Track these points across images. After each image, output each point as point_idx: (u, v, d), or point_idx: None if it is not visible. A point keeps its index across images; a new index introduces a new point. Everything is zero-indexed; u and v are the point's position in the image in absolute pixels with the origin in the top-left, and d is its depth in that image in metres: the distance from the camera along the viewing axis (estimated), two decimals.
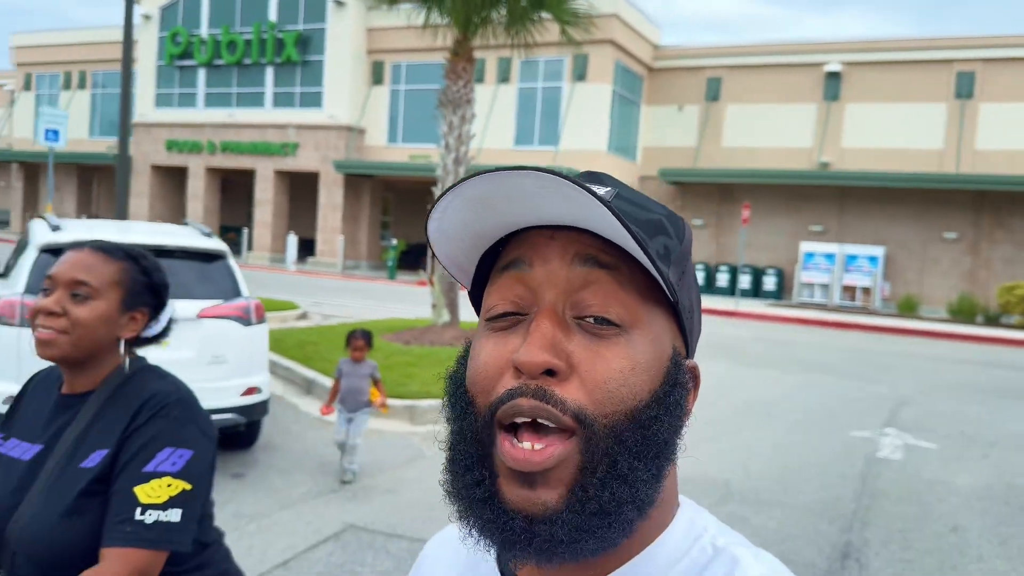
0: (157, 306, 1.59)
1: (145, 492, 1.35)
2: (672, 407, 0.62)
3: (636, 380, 0.60)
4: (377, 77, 28.32)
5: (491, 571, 0.71)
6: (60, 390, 1.55)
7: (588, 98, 25.05)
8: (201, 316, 5.30)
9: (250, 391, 5.54)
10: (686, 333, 0.66)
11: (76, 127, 34.23)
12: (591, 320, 0.61)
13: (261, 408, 5.69)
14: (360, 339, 5.50)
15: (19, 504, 1.42)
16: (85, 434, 1.45)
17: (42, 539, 1.37)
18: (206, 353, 5.31)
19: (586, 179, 0.67)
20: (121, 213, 12.76)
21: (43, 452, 1.47)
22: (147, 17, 30.76)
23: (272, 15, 28.45)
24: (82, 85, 34.52)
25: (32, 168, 35.67)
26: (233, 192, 32.97)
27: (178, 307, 1.61)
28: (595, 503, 0.58)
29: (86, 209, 35.17)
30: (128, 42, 13.03)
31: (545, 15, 10.51)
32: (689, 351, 0.68)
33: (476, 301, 0.71)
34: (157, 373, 1.56)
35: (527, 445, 0.58)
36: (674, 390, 0.63)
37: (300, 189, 29.71)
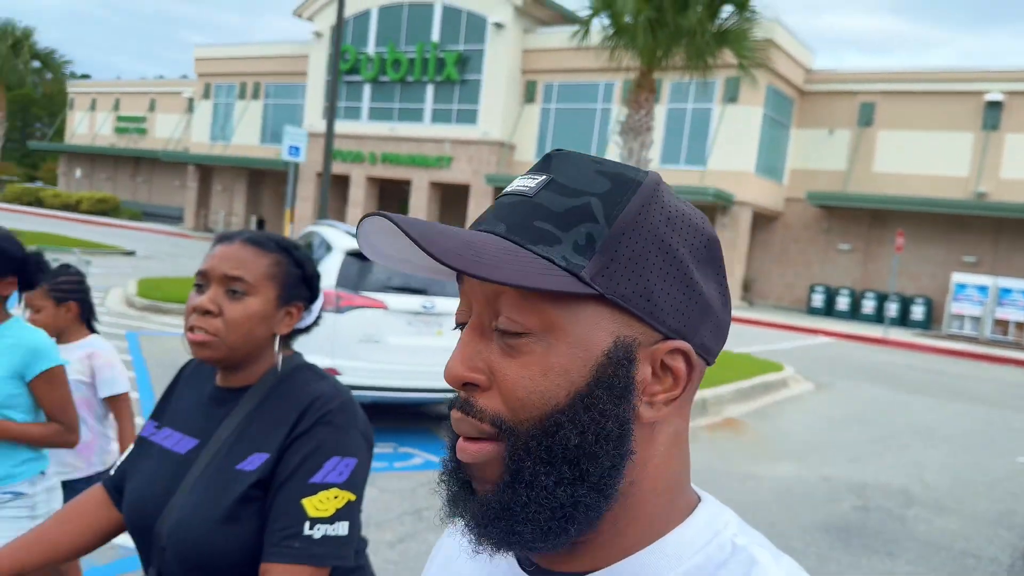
0: (311, 298, 1.54)
1: (313, 505, 1.31)
2: (587, 411, 0.60)
3: (547, 385, 0.60)
4: (529, 96, 29.69)
5: (510, 558, 0.72)
6: (215, 381, 1.50)
7: (738, 120, 25.49)
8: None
9: None
10: (646, 318, 0.61)
11: (248, 134, 37.37)
12: (499, 331, 0.62)
13: None
14: None
15: (171, 498, 1.39)
16: (242, 433, 1.40)
17: (195, 541, 1.33)
18: None
19: (538, 164, 0.67)
20: (327, 214, 14.34)
21: (198, 447, 1.44)
22: (318, 35, 33.35)
23: (435, 36, 30.33)
24: (255, 95, 37.62)
25: (206, 170, 39.05)
26: (389, 200, 35.17)
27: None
28: (499, 499, 0.61)
29: (254, 210, 38.23)
30: (335, 63, 14.68)
31: (727, 50, 11.32)
32: (670, 332, 0.62)
33: None
34: (316, 373, 1.51)
35: (467, 445, 0.63)
36: (597, 390, 0.60)
37: (452, 200, 31.43)
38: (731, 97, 25.54)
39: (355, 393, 4.80)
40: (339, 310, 6.16)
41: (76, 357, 2.99)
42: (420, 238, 0.57)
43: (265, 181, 38.84)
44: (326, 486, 1.32)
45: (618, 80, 27.09)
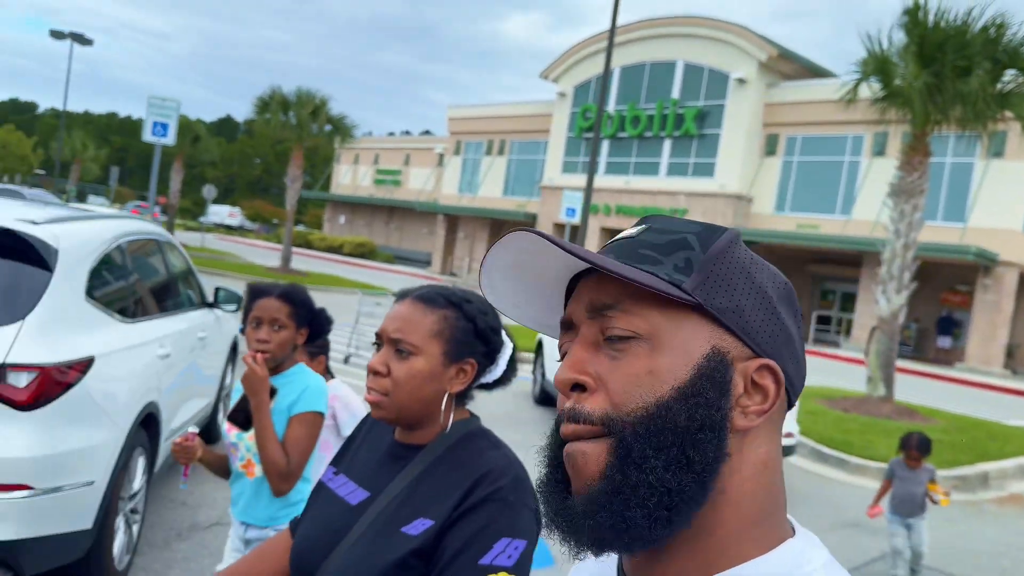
0: (488, 352, 1.50)
1: None
2: (694, 396, 0.65)
3: (654, 381, 0.66)
4: (770, 148, 29.53)
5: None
6: (395, 436, 1.51)
7: (1005, 175, 23.82)
8: None
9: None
10: (738, 332, 0.68)
11: (492, 186, 40.04)
12: (610, 339, 0.69)
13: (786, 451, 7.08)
14: (915, 448, 5.20)
15: (336, 546, 1.39)
16: (411, 494, 1.38)
17: None
18: None
19: (637, 223, 0.77)
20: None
21: (368, 500, 1.43)
22: (562, 95, 35.30)
23: (675, 93, 31.12)
24: (501, 151, 40.31)
25: (453, 219, 42.20)
26: None
27: None
28: (610, 483, 0.65)
29: None
30: (597, 130, 15.79)
31: (1008, 113, 11.01)
32: (761, 351, 0.69)
33: None
34: (490, 440, 1.47)
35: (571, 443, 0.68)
36: (700, 381, 0.66)
37: None
38: (996, 152, 23.93)
39: None
40: None
41: None
42: (562, 244, 0.66)
43: (505, 230, 41.21)
44: (495, 569, 1.27)
45: (867, 133, 26.30)
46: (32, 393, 3.10)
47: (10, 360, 3.09)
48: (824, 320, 29.77)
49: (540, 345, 10.36)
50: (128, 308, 4.19)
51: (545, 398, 10.06)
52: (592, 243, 33.17)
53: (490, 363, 1.50)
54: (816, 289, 30.24)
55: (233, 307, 5.99)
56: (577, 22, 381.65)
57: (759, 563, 0.66)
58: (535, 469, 0.74)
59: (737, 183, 29.25)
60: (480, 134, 41.43)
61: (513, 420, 8.95)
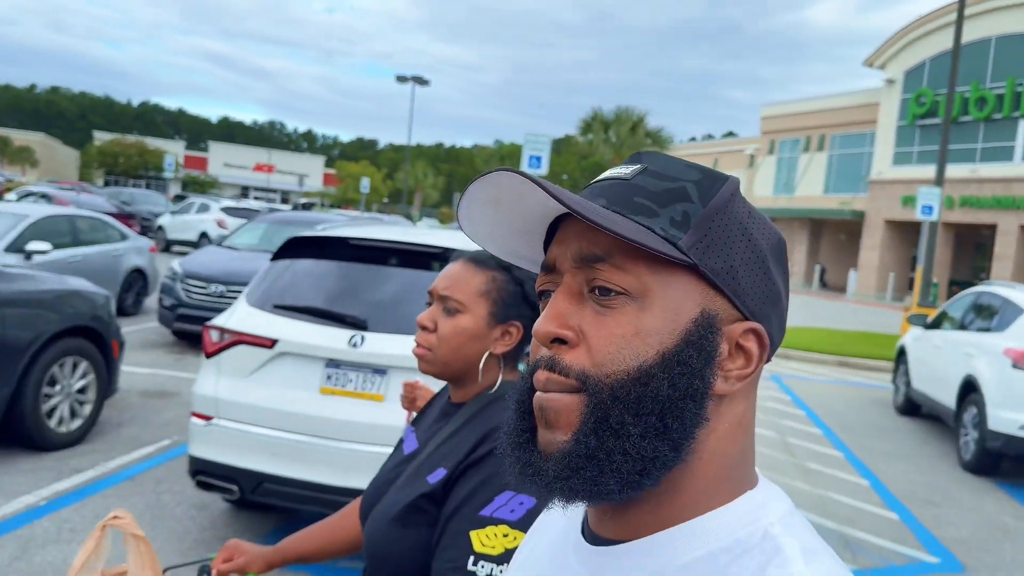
0: (536, 316, 1.44)
1: (479, 539, 1.25)
2: (679, 365, 0.63)
3: (639, 343, 0.64)
4: None
5: (576, 533, 0.75)
6: (448, 394, 1.54)
7: None
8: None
9: None
10: (730, 294, 0.66)
11: (811, 185, 38.27)
12: (596, 292, 0.66)
13: None
14: None
15: (386, 493, 1.44)
16: (440, 447, 1.41)
17: (373, 537, 1.38)
18: None
19: (628, 159, 0.72)
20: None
21: (416, 452, 1.48)
22: (890, 82, 32.80)
23: None
24: (820, 147, 38.42)
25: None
26: (965, 247, 32.72)
27: None
28: (584, 447, 0.63)
29: (814, 258, 38.91)
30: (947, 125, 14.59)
31: None
32: (749, 313, 0.67)
33: None
34: None
35: (543, 393, 0.67)
36: (687, 349, 0.64)
37: None
38: None
39: None
40: None
41: None
42: (550, 189, 0.62)
43: (824, 230, 39.23)
44: (495, 521, 1.26)
45: None
46: None
47: None
48: None
49: (902, 352, 9.94)
50: None
51: (910, 407, 9.63)
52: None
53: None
54: None
55: None
56: (888, 1, 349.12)
57: (718, 514, 0.66)
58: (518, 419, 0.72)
59: None
60: (796, 131, 39.84)
61: (877, 430, 8.75)
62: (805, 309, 22.84)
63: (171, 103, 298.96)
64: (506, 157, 37.66)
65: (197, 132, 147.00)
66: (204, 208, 22.89)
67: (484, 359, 1.43)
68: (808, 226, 38.42)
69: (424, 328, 1.45)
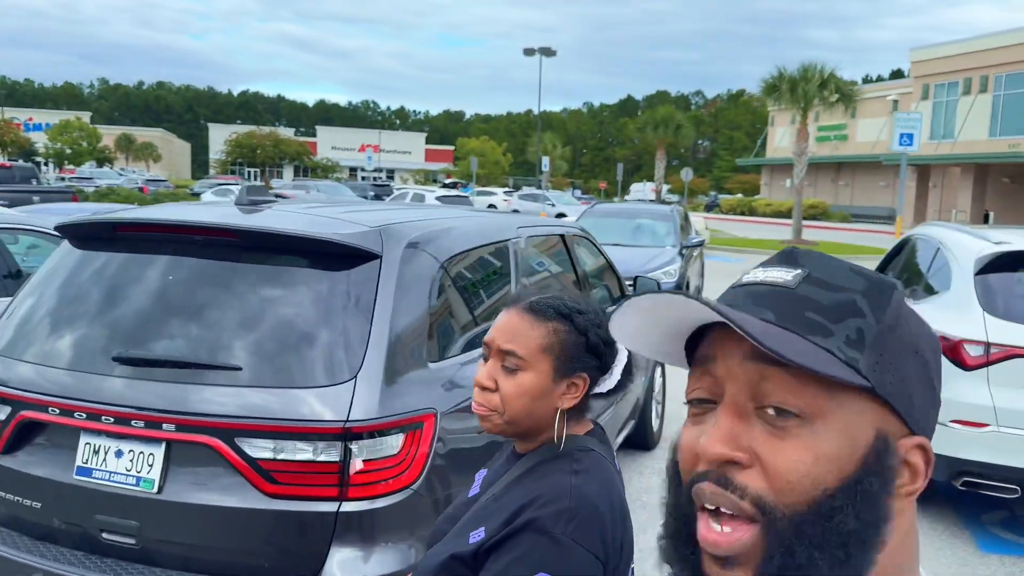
0: (602, 366, 1.40)
1: None
2: (864, 495, 0.61)
3: (818, 471, 0.61)
4: None
5: None
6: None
7: None
8: None
9: None
10: (902, 413, 0.64)
11: (974, 128, 36.81)
12: (770, 412, 0.63)
13: None
14: None
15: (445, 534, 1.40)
16: (493, 500, 1.35)
17: None
18: None
19: (779, 260, 0.70)
20: None
21: (475, 497, 1.43)
22: None
23: None
24: (983, 89, 36.86)
25: (922, 169, 39.73)
26: None
27: None
28: None
29: (980, 204, 37.58)
30: None
31: None
32: (916, 428, 0.65)
33: None
34: (576, 464, 1.34)
35: (717, 528, 0.63)
36: (868, 478, 0.61)
37: None
38: None
39: None
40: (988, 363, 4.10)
41: None
42: (733, 317, 0.60)
43: (989, 175, 37.79)
44: None
45: None
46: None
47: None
48: None
49: None
50: None
51: None
52: None
53: (603, 374, 1.41)
54: None
55: None
56: None
57: None
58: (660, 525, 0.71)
59: None
60: (954, 73, 38.28)
61: None
62: None
63: (263, 89, 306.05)
64: (660, 124, 37.37)
65: (296, 117, 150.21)
66: (419, 198, 22.65)
67: (558, 418, 1.36)
68: (973, 171, 37.04)
69: (485, 388, 1.36)
